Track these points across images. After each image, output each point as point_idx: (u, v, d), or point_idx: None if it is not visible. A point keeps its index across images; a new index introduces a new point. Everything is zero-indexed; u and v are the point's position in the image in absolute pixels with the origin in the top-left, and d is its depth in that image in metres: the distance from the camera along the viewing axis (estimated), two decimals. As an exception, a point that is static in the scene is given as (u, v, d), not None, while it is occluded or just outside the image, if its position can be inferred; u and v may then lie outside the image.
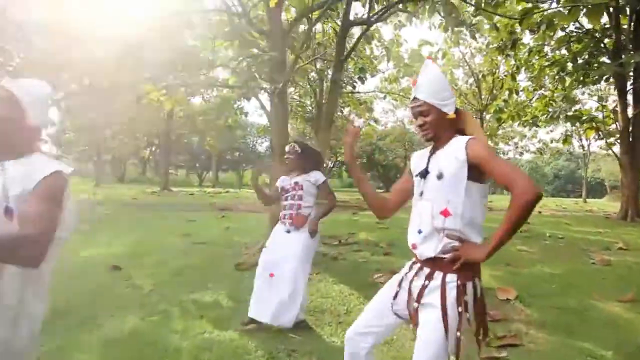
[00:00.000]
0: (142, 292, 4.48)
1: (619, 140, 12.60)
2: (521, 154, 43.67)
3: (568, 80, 12.92)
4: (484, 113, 24.45)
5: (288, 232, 3.53)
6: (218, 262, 5.97)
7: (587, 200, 33.28)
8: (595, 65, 12.17)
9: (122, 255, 6.20)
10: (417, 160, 1.88)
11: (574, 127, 13.33)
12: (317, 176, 3.60)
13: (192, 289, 4.57)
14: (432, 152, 1.78)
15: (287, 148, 3.70)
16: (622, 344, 3.24)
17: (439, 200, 1.67)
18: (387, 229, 9.80)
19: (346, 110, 22.73)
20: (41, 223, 1.19)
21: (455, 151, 1.66)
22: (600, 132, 13.55)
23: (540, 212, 17.88)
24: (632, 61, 9.52)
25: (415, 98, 1.77)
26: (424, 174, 1.75)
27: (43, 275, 1.34)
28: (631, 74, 11.27)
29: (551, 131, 28.06)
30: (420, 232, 1.72)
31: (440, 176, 1.68)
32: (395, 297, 1.80)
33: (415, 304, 1.71)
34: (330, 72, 17.04)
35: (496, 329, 3.53)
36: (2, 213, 1.25)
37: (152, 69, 7.74)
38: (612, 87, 13.54)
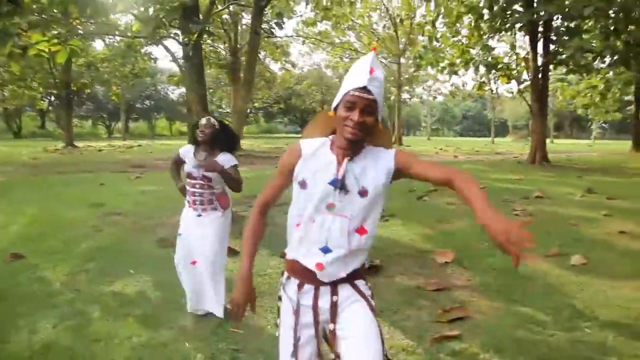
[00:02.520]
0: (51, 288, 3.86)
1: (528, 89, 13.29)
2: (434, 97, 45.50)
3: (484, 27, 13.17)
4: (401, 58, 24.71)
5: (199, 215, 3.19)
6: (137, 239, 5.42)
7: (495, 140, 35.74)
8: (509, 13, 12.47)
9: (21, 238, 5.39)
10: (313, 156, 1.53)
11: (489, 75, 13.78)
12: (226, 160, 3.16)
13: (111, 278, 4.05)
14: (347, 159, 1.47)
15: (202, 121, 3.22)
16: (558, 307, 3.34)
17: (358, 217, 1.47)
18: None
19: (262, 54, 21.70)
20: None
21: (381, 167, 1.47)
22: (512, 79, 14.20)
23: (455, 156, 18.83)
24: (543, 12, 9.80)
25: (367, 90, 1.41)
26: (339, 186, 1.45)
27: None
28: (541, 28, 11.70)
29: (463, 75, 29.24)
30: (327, 250, 1.47)
31: (363, 193, 1.46)
32: (299, 340, 1.52)
33: (331, 325, 1.49)
34: (244, 15, 15.92)
35: (441, 299, 3.50)
36: None
37: (40, 13, 6.53)
38: (524, 36, 14.07)
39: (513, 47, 14.49)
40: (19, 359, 2.74)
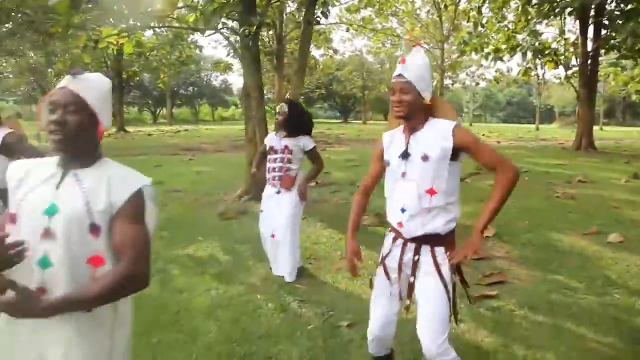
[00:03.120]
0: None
1: (576, 75, 13.03)
2: (477, 83, 44.44)
3: (532, 11, 12.96)
4: (444, 44, 24.44)
5: (278, 192, 3.65)
6: (200, 212, 5.98)
7: (539, 127, 34.71)
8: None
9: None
10: (391, 140, 1.93)
11: (536, 60, 13.59)
12: (306, 142, 3.62)
13: (184, 244, 4.60)
14: (410, 133, 1.85)
15: (277, 108, 3.72)
16: (592, 276, 3.62)
17: (425, 180, 1.78)
18: (359, 166, 10.01)
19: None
20: (140, 251, 1.19)
21: (440, 135, 1.77)
22: (559, 65, 13.93)
23: (499, 142, 18.66)
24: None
25: (400, 75, 1.80)
26: (406, 155, 1.83)
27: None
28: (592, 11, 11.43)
29: (508, 60, 28.50)
30: (404, 210, 1.83)
31: (425, 158, 1.77)
32: (391, 283, 1.93)
33: (411, 278, 1.86)
34: (290, 3, 16.27)
35: (481, 267, 3.84)
36: (86, 230, 1.20)
37: (108, 10, 7.18)
38: (574, 20, 13.73)
39: (562, 32, 14.15)
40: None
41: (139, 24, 7.47)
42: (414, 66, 1.79)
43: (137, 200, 1.24)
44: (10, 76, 30.02)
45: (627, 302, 3.15)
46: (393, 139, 1.93)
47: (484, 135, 23.81)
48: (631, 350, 2.57)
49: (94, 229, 1.19)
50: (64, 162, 1.26)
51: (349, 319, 2.95)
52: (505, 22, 14.43)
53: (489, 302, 3.15)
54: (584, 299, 3.21)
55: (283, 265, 3.61)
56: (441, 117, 1.86)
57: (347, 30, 19.17)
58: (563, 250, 4.29)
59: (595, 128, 25.10)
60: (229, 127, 33.58)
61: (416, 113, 1.81)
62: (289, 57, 19.27)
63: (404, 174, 1.83)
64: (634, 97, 28.11)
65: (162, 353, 2.61)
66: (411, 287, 1.87)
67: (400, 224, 1.85)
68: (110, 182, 1.23)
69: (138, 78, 29.72)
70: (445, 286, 1.79)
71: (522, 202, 6.09)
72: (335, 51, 22.45)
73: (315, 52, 27.85)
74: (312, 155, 3.67)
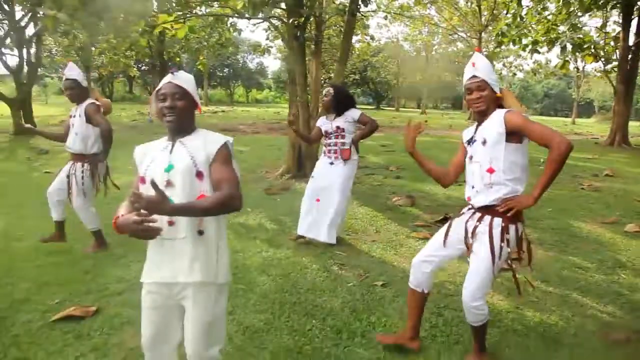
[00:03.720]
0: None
1: (616, 69, 12.91)
2: (514, 74, 43.44)
3: (574, 3, 12.83)
4: (483, 33, 24.21)
5: (331, 164, 4.17)
6: (245, 188, 6.56)
7: (576, 121, 33.90)
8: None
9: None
10: (466, 132, 2.40)
11: (575, 54, 13.48)
12: (353, 114, 4.14)
13: (235, 214, 5.18)
14: (479, 124, 2.29)
15: (324, 92, 4.24)
16: (603, 259, 4.00)
17: (485, 161, 2.20)
18: (393, 152, 10.43)
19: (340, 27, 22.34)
20: (235, 182, 1.71)
21: (496, 122, 2.17)
22: (598, 58, 13.78)
23: (531, 135, 18.58)
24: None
25: (474, 76, 2.23)
26: (472, 141, 2.28)
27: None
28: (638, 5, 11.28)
29: (547, 52, 27.87)
30: (473, 187, 2.29)
31: (484, 142, 2.20)
32: (452, 235, 2.39)
33: (470, 239, 2.31)
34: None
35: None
36: (194, 177, 1.72)
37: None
38: (619, 14, 13.49)
39: (604, 25, 13.94)
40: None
41: (193, 11, 8.04)
42: (483, 67, 2.22)
43: (224, 150, 1.75)
44: (57, 55, 31.34)
45: (631, 281, 3.54)
46: (468, 131, 2.38)
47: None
48: (626, 318, 2.98)
49: (199, 174, 1.71)
50: (172, 135, 1.80)
51: (382, 280, 3.47)
52: (546, 14, 14.29)
53: (506, 274, 3.59)
54: (592, 277, 3.62)
55: (324, 229, 4.09)
56: (508, 107, 2.22)
57: (386, 17, 19.29)
58: (580, 235, 4.66)
59: (634, 125, 24.49)
60: (264, 109, 34.23)
61: (491, 105, 2.22)
62: (325, 44, 19.60)
63: (471, 158, 2.28)
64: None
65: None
66: (469, 248, 2.30)
67: (469, 198, 2.32)
68: (205, 141, 1.75)
69: (179, 59, 30.48)
70: (493, 253, 2.15)
71: (548, 191, 6.41)
72: (372, 38, 22.52)
73: (353, 38, 27.99)
74: (363, 121, 4.18)
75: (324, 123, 4.25)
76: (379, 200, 5.82)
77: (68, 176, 3.95)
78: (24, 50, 13.77)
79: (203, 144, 1.75)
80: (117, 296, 3.18)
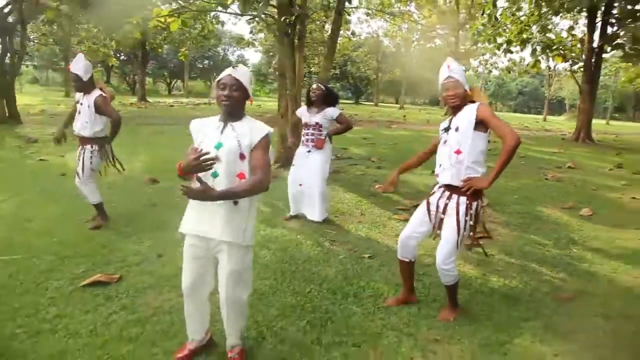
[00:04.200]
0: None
1: (582, 69, 13.74)
2: (490, 71, 44.57)
3: (544, 7, 13.60)
4: (460, 31, 24.98)
5: (309, 151, 4.72)
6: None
7: (547, 118, 35.16)
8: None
9: (151, 169, 7.10)
10: (443, 123, 2.88)
11: (544, 54, 14.27)
12: (332, 113, 4.68)
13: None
14: (454, 115, 2.78)
15: (313, 86, 4.71)
16: (559, 237, 4.59)
17: (454, 143, 2.68)
18: (374, 144, 10.94)
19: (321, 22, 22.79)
20: (267, 168, 2.12)
21: (468, 112, 2.65)
22: (567, 59, 14.59)
23: (504, 130, 19.45)
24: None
25: (450, 76, 2.72)
26: (447, 129, 2.77)
27: None
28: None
29: (520, 51, 28.79)
30: (440, 165, 2.77)
31: (457, 129, 2.69)
32: (428, 212, 2.88)
33: (442, 215, 2.80)
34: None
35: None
36: (237, 157, 2.12)
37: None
38: (586, 17, 14.33)
39: (572, 27, 14.79)
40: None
41: (186, 6, 8.35)
42: (457, 69, 2.70)
43: (265, 140, 2.15)
44: (35, 42, 30.74)
45: (581, 255, 4.13)
46: (444, 122, 2.85)
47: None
48: (574, 282, 3.55)
49: (242, 156, 2.11)
50: (224, 118, 2.19)
51: (369, 253, 3.96)
52: (519, 14, 15.05)
53: (476, 249, 4.13)
54: (549, 251, 4.19)
55: (313, 209, 4.69)
56: (478, 101, 2.70)
57: (368, 14, 19.78)
58: (542, 218, 5.26)
59: (602, 122, 25.59)
60: (245, 102, 34.34)
61: (463, 101, 2.69)
62: (306, 38, 19.96)
63: (445, 142, 2.75)
64: (644, 93, 28.57)
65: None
66: (441, 222, 2.78)
67: (437, 175, 2.79)
68: (251, 129, 2.15)
69: (161, 50, 30.37)
70: (458, 225, 2.65)
71: (515, 181, 7.05)
72: (354, 33, 22.98)
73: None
74: (341, 120, 4.73)
75: (304, 114, 4.75)
76: (363, 187, 6.33)
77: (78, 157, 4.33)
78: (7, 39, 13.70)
79: (249, 130, 2.14)
80: (135, 266, 3.57)
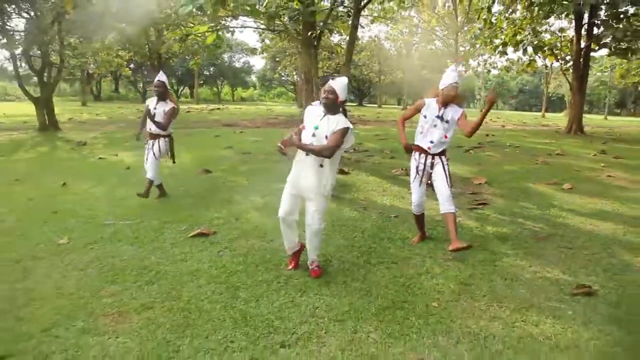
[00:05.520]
0: (241, 186, 6.74)
1: (571, 68, 14.96)
2: (489, 71, 45.68)
3: (536, 11, 14.82)
4: (458, 33, 26.22)
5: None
6: (272, 167, 8.20)
7: (546, 114, 36.26)
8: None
9: (200, 163, 8.34)
10: (429, 104, 4.01)
11: (536, 54, 15.51)
12: (342, 119, 5.85)
13: (267, 185, 6.81)
14: (444, 108, 3.98)
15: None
16: (542, 203, 5.81)
17: (443, 131, 3.93)
18: (386, 139, 12.17)
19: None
20: (333, 144, 3.30)
21: (456, 111, 3.91)
22: (558, 58, 15.82)
23: (503, 126, 20.65)
24: (588, 2, 11.59)
25: (457, 82, 3.93)
26: (440, 117, 3.98)
27: (337, 158, 3.45)
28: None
29: (514, 52, 29.89)
30: (431, 142, 3.98)
31: (447, 122, 3.93)
32: (420, 178, 4.11)
33: (430, 170, 4.02)
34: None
35: (475, 198, 6.04)
36: (325, 137, 3.34)
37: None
38: (572, 19, 15.58)
39: (562, 29, 16.04)
40: (227, 224, 5.57)
41: (223, 22, 9.63)
42: (459, 75, 3.96)
43: (341, 130, 3.37)
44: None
45: (556, 214, 5.35)
46: (430, 103, 4.03)
47: (491, 119, 25.74)
48: (549, 228, 4.77)
49: (326, 137, 3.35)
50: (325, 111, 3.40)
51: (394, 214, 5.19)
52: (514, 17, 16.29)
53: (476, 210, 5.37)
54: (532, 212, 5.41)
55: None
56: (457, 99, 3.94)
57: (372, 22, 21.02)
58: (530, 192, 6.48)
59: (600, 117, 26.66)
60: (254, 106, 35.68)
61: (451, 99, 3.92)
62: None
63: (435, 125, 3.98)
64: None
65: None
66: (429, 176, 4.02)
67: (429, 148, 4.02)
68: (337, 122, 3.37)
69: (174, 59, 31.75)
70: (446, 174, 3.93)
71: (510, 166, 8.27)
72: (357, 38, 24.30)
73: (337, 37, 29.89)
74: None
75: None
76: (382, 172, 7.57)
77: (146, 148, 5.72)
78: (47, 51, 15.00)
79: (336, 124, 3.33)
80: (222, 225, 4.81)
